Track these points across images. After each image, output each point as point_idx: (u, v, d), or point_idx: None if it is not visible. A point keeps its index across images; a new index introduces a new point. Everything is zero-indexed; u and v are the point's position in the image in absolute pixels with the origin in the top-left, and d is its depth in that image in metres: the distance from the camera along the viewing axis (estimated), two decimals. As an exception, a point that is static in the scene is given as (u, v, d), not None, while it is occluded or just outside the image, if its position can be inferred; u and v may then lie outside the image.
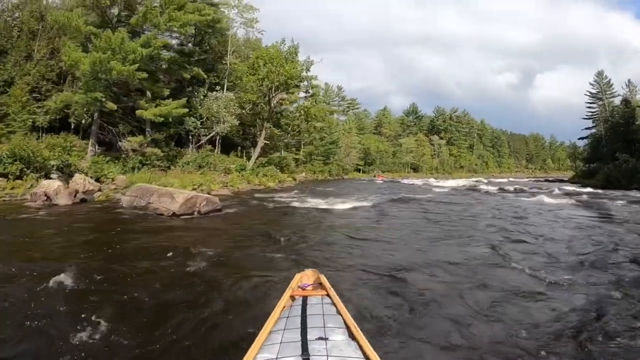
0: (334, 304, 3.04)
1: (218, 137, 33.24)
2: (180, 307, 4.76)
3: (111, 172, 22.92)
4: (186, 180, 23.76)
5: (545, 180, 59.65)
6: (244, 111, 33.22)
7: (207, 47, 34.32)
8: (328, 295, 3.26)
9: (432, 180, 51.63)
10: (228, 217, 13.04)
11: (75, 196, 16.91)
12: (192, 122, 29.16)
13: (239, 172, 30.98)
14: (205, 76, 30.14)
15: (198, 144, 31.45)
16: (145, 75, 23.19)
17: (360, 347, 2.33)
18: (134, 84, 24.45)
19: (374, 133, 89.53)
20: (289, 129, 39.14)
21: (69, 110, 25.45)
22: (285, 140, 40.06)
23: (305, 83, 37.52)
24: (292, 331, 2.52)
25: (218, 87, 32.23)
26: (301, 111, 37.39)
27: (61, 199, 15.81)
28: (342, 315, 2.79)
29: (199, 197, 12.82)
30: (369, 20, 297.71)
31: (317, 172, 57.37)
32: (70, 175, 19.86)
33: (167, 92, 26.28)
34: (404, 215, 14.05)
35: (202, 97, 30.32)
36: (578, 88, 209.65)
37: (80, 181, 18.37)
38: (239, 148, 36.90)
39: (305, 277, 3.74)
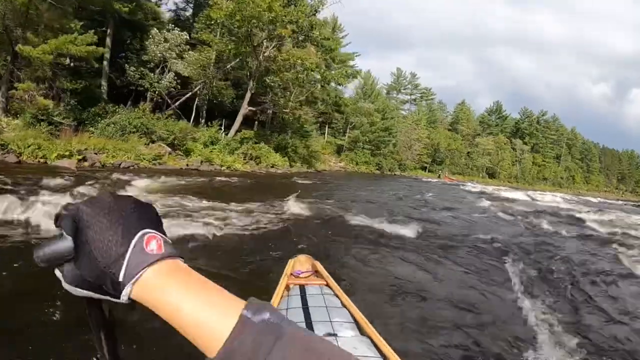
0: (336, 295, 2.53)
1: (199, 101, 24.02)
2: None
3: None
4: (74, 144, 14.96)
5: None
6: (228, 65, 23.42)
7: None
8: (327, 284, 2.68)
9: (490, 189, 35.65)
10: None
11: None
12: (133, 72, 19.99)
13: (207, 147, 21.67)
14: (160, 11, 20.67)
15: (168, 108, 22.50)
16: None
17: (374, 343, 1.91)
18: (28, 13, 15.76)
19: (449, 130, 75.64)
20: (280, 89, 26.60)
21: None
22: (286, 111, 27.48)
23: (317, 33, 25.13)
24: None
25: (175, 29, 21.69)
26: (292, 60, 22.67)
27: None
28: (347, 308, 2.32)
29: None
30: (462, 18, 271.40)
31: (360, 163, 46.22)
32: None
33: (77, 26, 17.21)
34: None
35: (160, 39, 20.65)
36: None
37: None
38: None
39: (299, 263, 3.05)
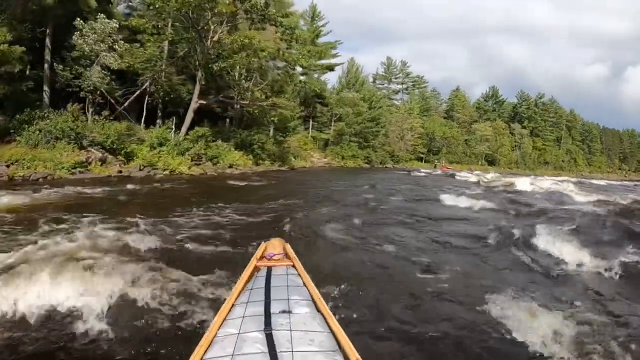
0: (299, 274, 2.69)
1: (150, 99, 22.11)
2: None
3: None
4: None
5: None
6: (176, 57, 21.50)
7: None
8: (293, 265, 2.88)
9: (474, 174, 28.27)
10: None
11: None
12: (63, 71, 18.02)
13: (154, 149, 19.85)
14: (94, 2, 18.55)
15: (121, 108, 20.60)
16: None
17: (325, 320, 2.03)
18: None
19: (445, 117, 72.85)
20: (233, 77, 24.31)
21: None
22: (246, 102, 25.00)
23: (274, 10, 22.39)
24: (256, 304, 2.18)
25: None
26: (240, 41, 19.65)
27: None
28: (307, 287, 2.47)
29: None
30: (453, 7, 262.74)
31: (346, 158, 43.99)
32: None
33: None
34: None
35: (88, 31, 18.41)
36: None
37: None
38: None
39: (271, 246, 3.25)
